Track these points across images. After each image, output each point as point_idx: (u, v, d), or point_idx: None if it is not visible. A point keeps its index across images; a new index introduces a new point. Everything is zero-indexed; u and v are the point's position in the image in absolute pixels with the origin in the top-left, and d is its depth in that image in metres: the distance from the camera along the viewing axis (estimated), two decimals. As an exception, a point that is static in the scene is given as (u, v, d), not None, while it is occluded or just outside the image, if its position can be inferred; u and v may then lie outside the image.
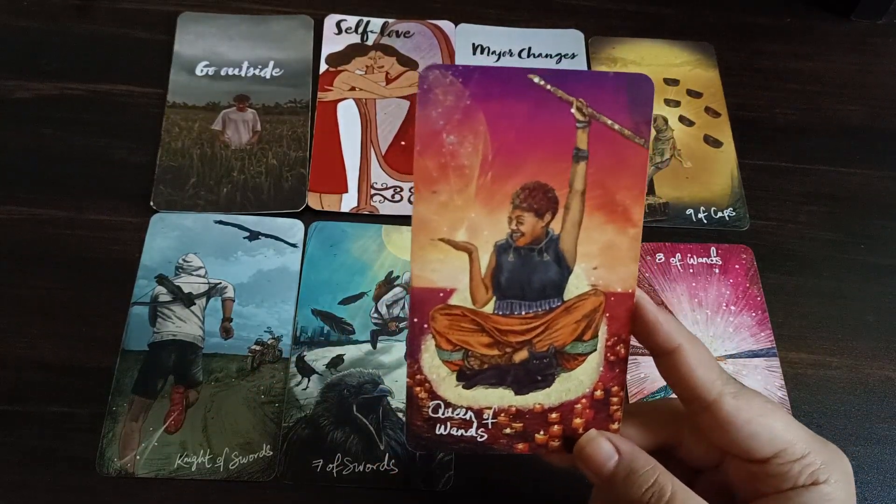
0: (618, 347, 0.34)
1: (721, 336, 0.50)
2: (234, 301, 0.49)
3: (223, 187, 0.53)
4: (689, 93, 0.60)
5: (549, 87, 0.30)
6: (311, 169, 0.54)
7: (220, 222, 0.51)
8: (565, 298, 0.33)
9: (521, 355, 0.33)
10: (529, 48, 0.62)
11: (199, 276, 0.49)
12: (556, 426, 0.34)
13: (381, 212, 0.53)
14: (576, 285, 0.33)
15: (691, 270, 0.52)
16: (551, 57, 0.61)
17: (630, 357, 0.47)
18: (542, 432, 0.34)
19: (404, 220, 0.53)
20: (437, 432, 0.34)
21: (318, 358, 0.47)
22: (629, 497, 0.32)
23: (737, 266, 0.52)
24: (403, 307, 0.49)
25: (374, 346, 0.48)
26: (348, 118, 0.57)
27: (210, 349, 0.47)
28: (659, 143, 0.58)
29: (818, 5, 0.67)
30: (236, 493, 0.43)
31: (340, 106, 0.57)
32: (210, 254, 0.50)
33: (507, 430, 0.34)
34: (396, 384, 0.46)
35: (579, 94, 0.31)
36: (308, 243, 0.51)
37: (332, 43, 0.60)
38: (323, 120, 0.56)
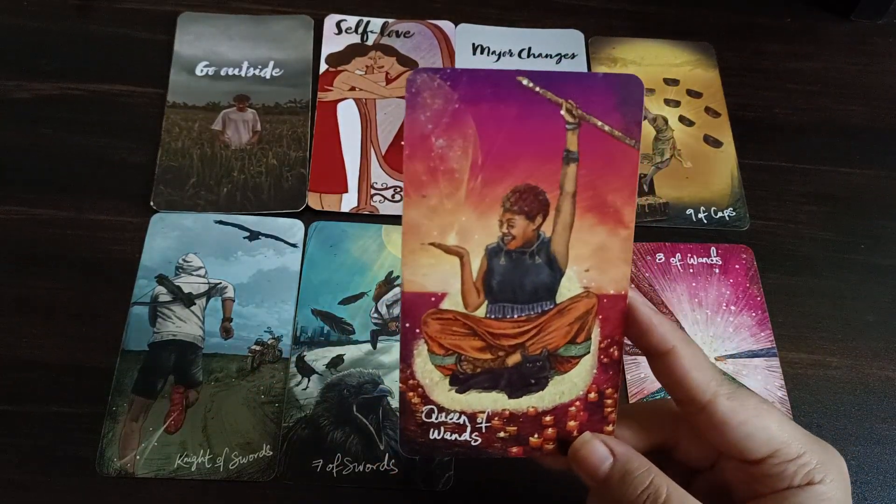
0: (611, 349, 0.33)
1: (721, 336, 0.49)
2: (234, 301, 0.49)
3: (223, 187, 0.53)
4: (689, 93, 0.60)
5: (538, 89, 0.30)
6: (311, 169, 0.54)
7: (220, 222, 0.51)
8: (558, 301, 0.33)
9: (514, 359, 0.33)
10: (529, 48, 0.62)
11: (199, 276, 0.49)
12: (550, 429, 0.34)
13: (381, 212, 0.53)
14: (568, 288, 0.33)
15: (691, 270, 0.52)
16: (551, 57, 0.61)
17: (630, 357, 0.48)
18: (536, 435, 0.34)
19: (404, 220, 0.53)
20: (431, 437, 0.34)
21: (318, 358, 0.47)
22: (624, 499, 0.32)
23: (737, 266, 0.52)
24: (403, 307, 0.49)
25: (374, 346, 0.48)
26: (348, 118, 0.57)
27: (210, 349, 0.47)
28: (659, 143, 0.58)
29: (818, 5, 0.67)
30: (236, 493, 0.43)
31: (340, 106, 0.57)
32: (210, 254, 0.50)
33: (501, 434, 0.34)
34: (396, 384, 0.46)
35: (569, 95, 0.30)
36: (308, 243, 0.51)
37: (332, 43, 0.60)
38: (323, 120, 0.56)
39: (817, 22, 0.66)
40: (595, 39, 0.62)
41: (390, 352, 0.48)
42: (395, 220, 0.53)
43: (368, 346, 0.48)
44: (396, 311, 0.49)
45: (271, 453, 0.44)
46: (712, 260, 0.52)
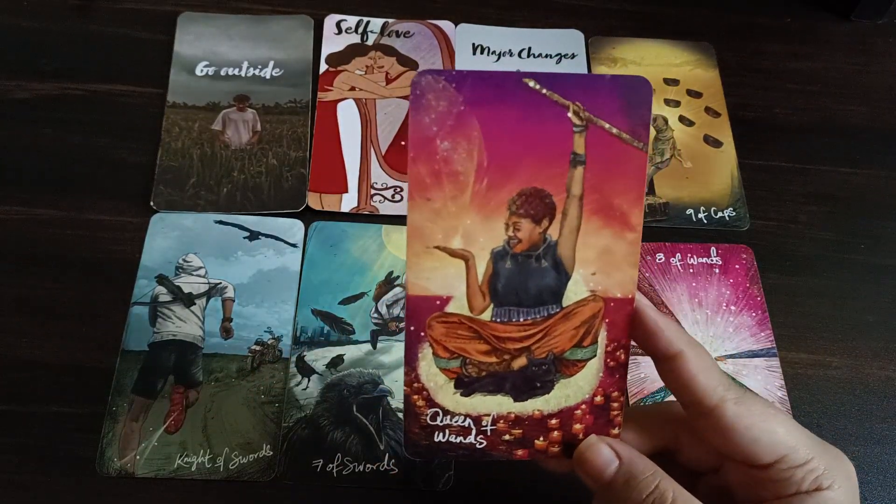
0: (618, 353, 0.33)
1: (721, 336, 0.50)
2: (234, 301, 0.49)
3: (223, 187, 0.53)
4: (689, 93, 0.60)
5: (544, 91, 0.30)
6: (311, 169, 0.54)
7: (220, 222, 0.51)
8: (564, 304, 0.33)
9: (520, 362, 0.33)
10: (529, 48, 0.62)
11: (199, 276, 0.49)
12: (555, 432, 0.34)
13: (381, 212, 0.53)
14: (574, 291, 0.32)
15: (691, 270, 0.52)
16: (551, 57, 0.61)
17: (629, 357, 0.48)
18: (541, 438, 0.34)
19: (404, 221, 0.52)
20: (436, 440, 0.34)
21: (318, 358, 0.47)
22: (630, 503, 0.32)
23: (737, 266, 0.52)
24: (403, 307, 0.49)
25: (374, 346, 0.48)
26: (348, 118, 0.57)
27: (210, 349, 0.47)
28: (659, 143, 0.58)
29: (818, 5, 0.67)
30: (236, 493, 0.43)
31: (340, 106, 0.57)
32: (210, 254, 0.50)
33: (506, 437, 0.34)
34: (396, 384, 0.46)
35: (576, 97, 0.30)
36: (308, 243, 0.51)
37: (332, 43, 0.60)
38: (323, 120, 0.56)
39: (817, 22, 0.66)
40: (595, 39, 0.62)
41: (390, 352, 0.48)
42: (395, 220, 0.53)
43: (368, 346, 0.48)
44: (396, 311, 0.49)
45: (271, 453, 0.44)
46: (712, 260, 0.52)
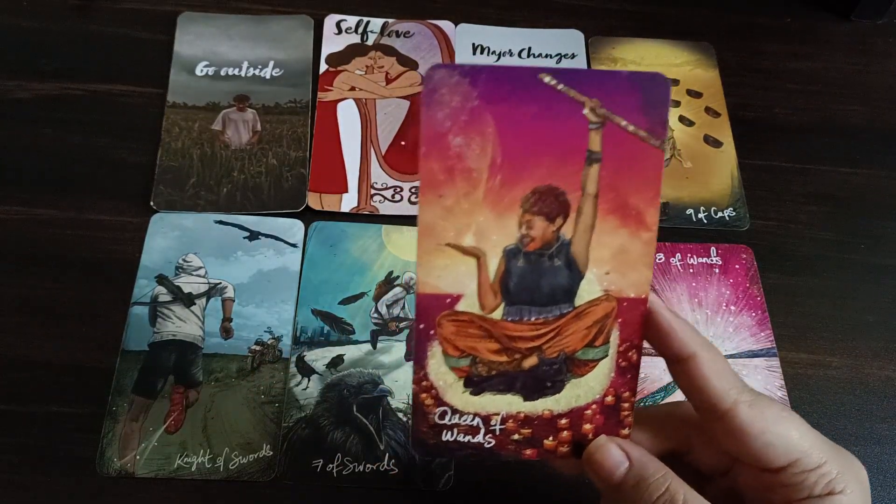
0: (630, 353, 0.33)
1: (721, 336, 0.49)
2: (234, 301, 0.49)
3: (223, 187, 0.53)
4: (689, 93, 0.60)
5: (560, 86, 0.29)
6: (311, 169, 0.54)
7: (220, 222, 0.51)
8: (576, 304, 0.32)
9: (531, 361, 0.33)
10: (529, 48, 0.62)
11: (199, 276, 0.49)
12: (565, 432, 0.34)
13: (381, 212, 0.53)
14: (587, 290, 0.32)
15: (691, 270, 0.52)
16: (551, 57, 0.61)
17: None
18: (550, 438, 0.34)
19: (404, 220, 0.53)
20: (444, 438, 0.34)
21: (318, 358, 0.47)
22: None
23: (737, 266, 0.52)
24: (403, 307, 0.49)
25: (374, 346, 0.48)
26: (348, 118, 0.57)
27: (210, 349, 0.47)
28: (659, 143, 0.58)
29: (818, 5, 0.67)
30: (236, 493, 0.43)
31: (340, 106, 0.57)
32: (210, 254, 0.50)
33: (516, 437, 0.34)
34: (396, 384, 0.46)
35: (592, 93, 0.29)
36: (308, 243, 0.51)
37: (332, 43, 0.60)
38: (323, 120, 0.56)
39: (817, 22, 0.66)
40: (595, 39, 0.62)
41: (390, 352, 0.48)
42: (395, 220, 0.53)
43: (368, 346, 0.48)
44: (396, 311, 0.49)
45: (271, 453, 0.44)
46: (712, 260, 0.52)
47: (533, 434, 0.34)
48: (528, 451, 0.34)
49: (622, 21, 0.64)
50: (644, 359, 0.47)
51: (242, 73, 0.58)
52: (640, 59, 0.62)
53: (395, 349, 0.48)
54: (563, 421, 0.34)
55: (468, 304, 0.32)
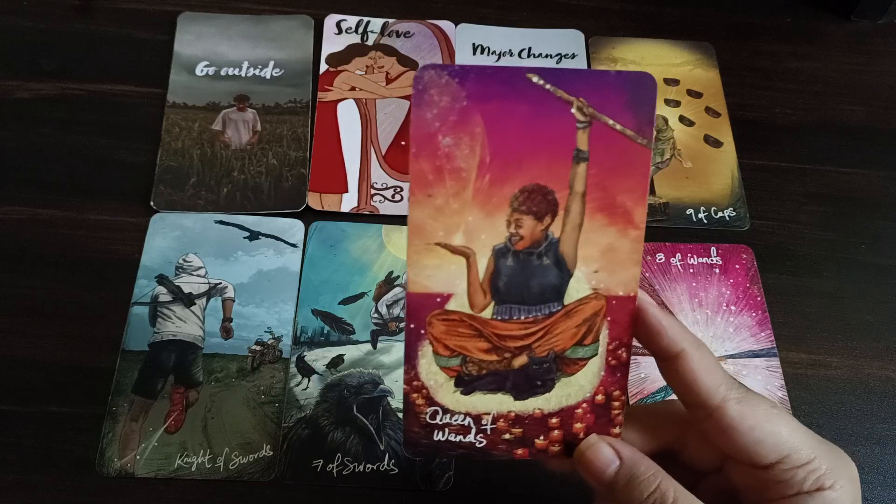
0: (619, 352, 0.33)
1: (721, 336, 0.49)
2: (234, 301, 0.49)
3: (223, 187, 0.53)
4: (689, 93, 0.60)
5: (548, 86, 0.30)
6: (311, 169, 0.54)
7: (220, 222, 0.51)
8: (565, 302, 0.32)
9: (521, 360, 0.33)
10: (529, 48, 0.62)
11: (199, 276, 0.49)
12: (556, 431, 0.34)
13: (382, 212, 0.53)
14: (576, 289, 0.32)
15: (691, 270, 0.52)
16: (551, 57, 0.61)
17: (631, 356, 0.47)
18: (541, 437, 0.34)
19: (404, 221, 0.52)
20: (435, 438, 0.34)
21: (318, 358, 0.47)
22: (631, 503, 0.32)
23: (737, 266, 0.52)
24: (403, 307, 0.49)
25: (374, 346, 0.48)
26: (348, 118, 0.57)
27: (210, 349, 0.47)
28: (659, 143, 0.58)
29: (818, 5, 0.67)
30: (236, 493, 0.43)
31: (340, 106, 0.57)
32: (210, 254, 0.50)
33: (507, 436, 0.34)
34: (396, 384, 0.46)
35: (579, 93, 0.30)
36: (308, 243, 0.51)
37: (332, 43, 0.60)
38: (323, 120, 0.56)
39: (817, 22, 0.66)
40: (595, 39, 0.62)
41: (390, 352, 0.48)
42: (395, 220, 0.53)
43: (368, 346, 0.48)
44: (396, 311, 0.49)
45: (271, 453, 0.44)
46: (712, 260, 0.52)
47: (524, 433, 0.34)
48: (520, 451, 0.34)
49: (622, 21, 0.64)
50: (644, 359, 0.48)
51: (242, 73, 0.58)
52: (640, 59, 0.62)
53: (395, 349, 0.48)
54: (554, 420, 0.34)
55: (458, 304, 0.32)
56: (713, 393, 0.32)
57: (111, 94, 0.56)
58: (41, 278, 0.49)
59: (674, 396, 0.34)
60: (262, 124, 0.56)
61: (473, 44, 0.61)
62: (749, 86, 0.61)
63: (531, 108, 0.30)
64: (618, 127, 0.30)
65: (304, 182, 0.53)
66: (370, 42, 0.61)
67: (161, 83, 0.57)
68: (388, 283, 0.50)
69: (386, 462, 0.44)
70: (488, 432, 0.34)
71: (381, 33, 0.61)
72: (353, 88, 0.58)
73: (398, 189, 0.54)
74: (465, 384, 0.33)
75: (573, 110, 0.30)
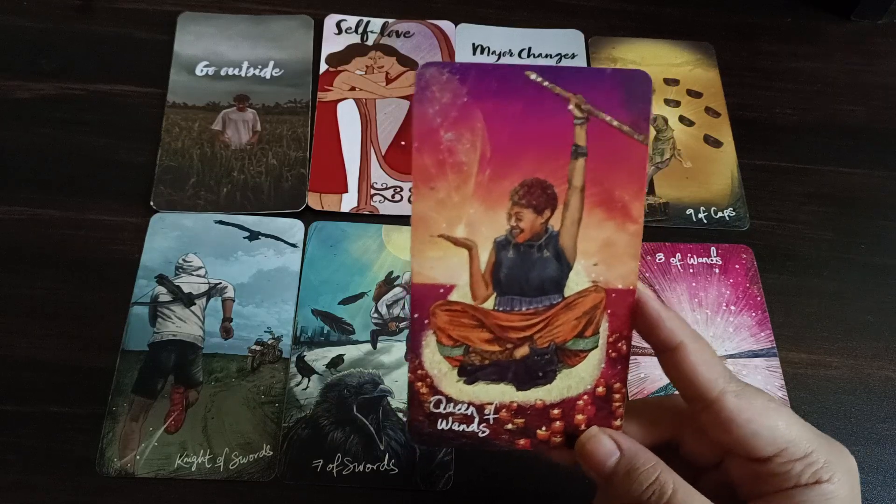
0: (619, 344, 0.34)
1: (721, 336, 0.50)
2: (234, 301, 0.49)
3: (223, 187, 0.53)
4: (689, 93, 0.60)
5: (546, 83, 0.31)
6: (311, 169, 0.54)
7: (220, 222, 0.51)
8: (565, 295, 0.33)
9: (522, 351, 0.33)
10: (529, 48, 0.62)
11: (199, 276, 0.49)
12: (557, 422, 0.34)
13: (381, 212, 0.53)
14: (576, 282, 0.33)
15: (691, 270, 0.52)
16: (551, 57, 0.61)
17: (631, 350, 0.48)
18: (543, 428, 0.34)
19: (404, 220, 0.52)
20: (439, 427, 0.34)
21: (318, 358, 0.47)
22: (630, 494, 0.32)
23: (737, 266, 0.52)
24: (403, 307, 0.49)
25: (374, 346, 0.48)
26: (348, 118, 0.57)
27: (210, 349, 0.47)
28: (659, 143, 0.58)
29: (818, 5, 0.67)
30: (236, 493, 0.43)
31: (340, 106, 0.57)
32: (210, 254, 0.50)
33: (509, 426, 0.34)
34: (396, 384, 0.46)
35: (577, 90, 0.31)
36: (308, 243, 0.51)
37: (332, 43, 0.60)
38: (323, 120, 0.56)
39: (817, 22, 0.66)
40: (595, 39, 0.62)
41: (390, 352, 0.48)
42: (395, 220, 0.53)
43: (368, 346, 0.48)
44: (396, 311, 0.49)
45: (271, 453, 0.44)
46: (712, 260, 0.52)
47: (526, 424, 0.34)
48: (522, 441, 0.34)
49: (622, 21, 0.64)
50: (645, 358, 0.48)
51: (242, 73, 0.58)
52: (640, 59, 0.62)
53: (396, 349, 0.48)
54: (556, 411, 0.34)
55: (461, 295, 0.32)
56: (711, 385, 0.32)
57: (111, 94, 0.56)
58: (41, 278, 0.49)
59: (675, 391, 0.35)
60: (261, 124, 0.56)
61: (473, 44, 0.61)
62: (749, 86, 0.61)
63: (530, 104, 0.31)
64: (614, 123, 0.31)
65: (303, 182, 0.53)
66: (370, 42, 0.61)
67: (161, 83, 0.57)
68: (388, 283, 0.50)
69: (386, 462, 0.44)
70: (491, 422, 0.34)
71: (381, 33, 0.61)
72: (352, 88, 0.58)
73: (398, 189, 0.54)
74: (468, 374, 0.34)
75: (571, 107, 0.31)
